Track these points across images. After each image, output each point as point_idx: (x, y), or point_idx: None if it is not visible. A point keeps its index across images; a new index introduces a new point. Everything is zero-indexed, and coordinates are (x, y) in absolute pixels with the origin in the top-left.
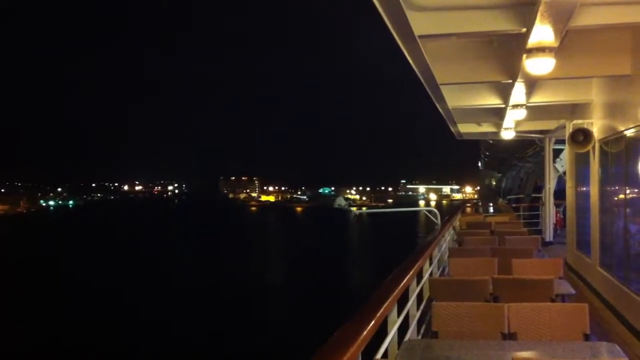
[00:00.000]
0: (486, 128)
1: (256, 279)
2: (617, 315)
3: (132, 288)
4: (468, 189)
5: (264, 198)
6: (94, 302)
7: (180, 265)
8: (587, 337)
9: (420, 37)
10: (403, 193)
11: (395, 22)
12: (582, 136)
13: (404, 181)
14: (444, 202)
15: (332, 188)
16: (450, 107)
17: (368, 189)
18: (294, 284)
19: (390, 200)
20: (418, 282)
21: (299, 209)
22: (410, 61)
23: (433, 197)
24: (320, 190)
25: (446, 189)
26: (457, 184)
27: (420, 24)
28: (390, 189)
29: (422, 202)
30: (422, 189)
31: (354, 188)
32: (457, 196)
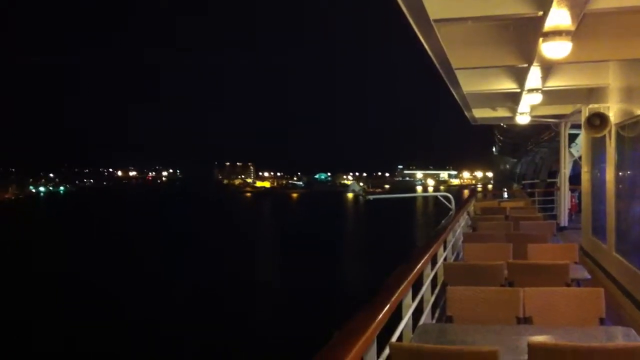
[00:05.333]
0: (501, 113)
1: (245, 273)
2: (633, 300)
3: (111, 282)
4: (466, 174)
5: (259, 184)
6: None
7: (167, 258)
8: (602, 322)
9: (436, 21)
10: (400, 179)
11: (410, 6)
12: (598, 120)
13: (400, 167)
14: (442, 187)
15: (329, 174)
16: (465, 92)
17: (365, 174)
18: (286, 279)
19: (387, 186)
20: (432, 267)
21: (294, 195)
22: (425, 46)
23: (431, 182)
24: (317, 176)
25: (444, 175)
26: (454, 170)
27: (435, 7)
28: (387, 174)
29: (419, 188)
30: (419, 174)
31: (351, 174)
32: (455, 182)
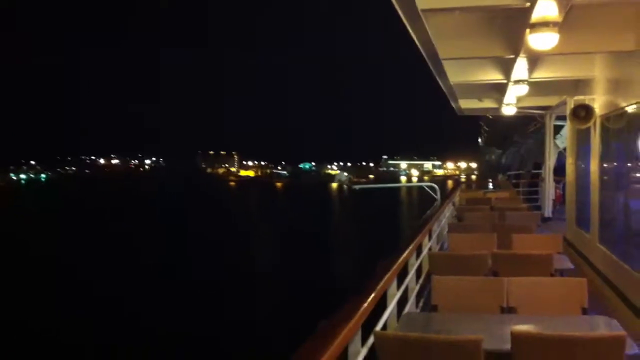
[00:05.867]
0: (487, 104)
1: (239, 263)
2: (616, 290)
3: (103, 272)
4: (450, 165)
5: (243, 173)
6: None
7: (157, 247)
8: (585, 312)
9: (424, 11)
10: (384, 169)
11: None
12: (583, 112)
13: (385, 157)
14: (426, 178)
15: (313, 163)
16: (452, 83)
17: (349, 164)
18: (277, 268)
19: (371, 176)
20: (417, 257)
21: (279, 184)
22: (413, 36)
23: (415, 173)
24: (301, 166)
25: (428, 165)
26: (438, 160)
27: None
28: (371, 164)
29: (403, 178)
30: (403, 164)
31: (335, 163)
32: (439, 172)
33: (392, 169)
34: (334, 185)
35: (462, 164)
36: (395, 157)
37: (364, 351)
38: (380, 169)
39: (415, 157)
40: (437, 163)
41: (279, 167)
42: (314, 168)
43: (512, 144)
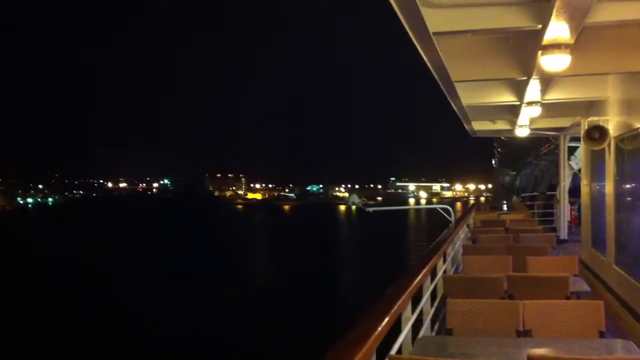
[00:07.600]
0: (500, 125)
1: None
2: (633, 313)
3: (111, 285)
4: (458, 187)
5: (250, 196)
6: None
7: (167, 265)
8: (602, 335)
9: (435, 34)
10: (393, 191)
11: (410, 19)
12: (597, 133)
13: (393, 178)
14: (434, 200)
15: (321, 186)
16: (464, 105)
17: (357, 186)
18: (286, 285)
19: (379, 198)
20: (432, 280)
21: (286, 207)
22: (425, 58)
23: (423, 194)
24: (309, 188)
25: (436, 187)
26: (446, 182)
27: (435, 21)
28: (379, 186)
29: (412, 200)
30: (412, 186)
31: (343, 186)
32: (448, 194)
33: (400, 190)
34: (342, 207)
35: (471, 186)
36: (403, 179)
37: None
38: (388, 190)
39: (424, 179)
40: (446, 185)
41: (287, 190)
42: (321, 190)
43: (526, 165)
